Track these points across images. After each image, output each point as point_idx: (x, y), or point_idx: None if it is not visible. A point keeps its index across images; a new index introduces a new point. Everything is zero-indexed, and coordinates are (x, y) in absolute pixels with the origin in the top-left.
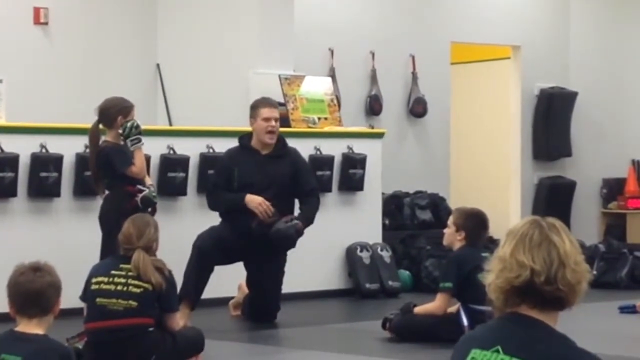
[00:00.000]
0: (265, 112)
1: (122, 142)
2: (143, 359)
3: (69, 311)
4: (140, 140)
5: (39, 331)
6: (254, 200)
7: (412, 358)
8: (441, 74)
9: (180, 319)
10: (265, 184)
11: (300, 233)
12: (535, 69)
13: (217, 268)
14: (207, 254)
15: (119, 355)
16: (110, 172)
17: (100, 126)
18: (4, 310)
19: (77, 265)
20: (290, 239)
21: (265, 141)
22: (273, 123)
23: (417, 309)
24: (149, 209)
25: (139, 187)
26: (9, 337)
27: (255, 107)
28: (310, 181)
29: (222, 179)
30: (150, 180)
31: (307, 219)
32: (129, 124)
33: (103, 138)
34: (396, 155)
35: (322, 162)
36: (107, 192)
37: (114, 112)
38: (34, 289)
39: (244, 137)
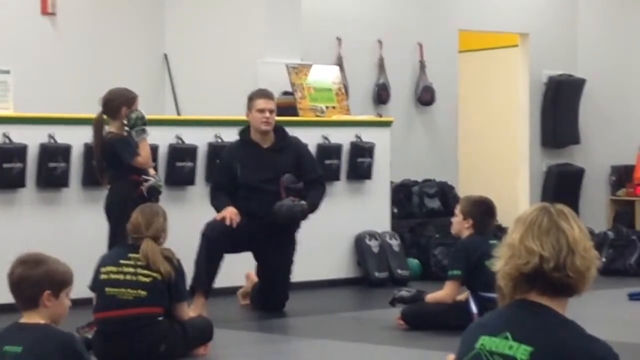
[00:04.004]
0: (259, 103)
1: (125, 133)
2: (152, 348)
3: (78, 301)
4: (145, 131)
5: (41, 321)
6: (224, 211)
7: (421, 346)
8: (449, 62)
9: (194, 310)
10: (269, 178)
11: (304, 214)
12: (543, 57)
13: (225, 257)
14: (216, 242)
15: (129, 344)
16: (115, 163)
17: (105, 117)
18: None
19: (86, 255)
20: (294, 214)
21: (260, 129)
22: (267, 115)
23: (428, 297)
24: (153, 198)
25: (144, 177)
26: (12, 328)
27: (250, 99)
28: (315, 169)
29: (223, 176)
30: (154, 171)
31: (312, 204)
32: (133, 115)
33: (107, 129)
34: (404, 143)
35: (330, 151)
36: (111, 182)
37: (118, 103)
38: (11, 282)
39: (244, 131)
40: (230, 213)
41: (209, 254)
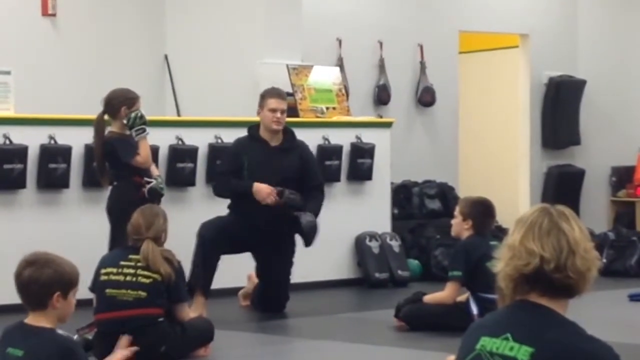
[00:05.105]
0: (272, 102)
1: (127, 133)
2: (153, 349)
3: (78, 302)
4: (144, 130)
5: (46, 324)
6: (261, 192)
7: (421, 347)
8: (449, 63)
9: (194, 310)
10: (273, 176)
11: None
12: (544, 58)
13: (226, 258)
14: (211, 242)
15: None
16: (116, 163)
17: (106, 117)
18: (15, 302)
19: (87, 256)
20: (316, 230)
21: (271, 128)
22: (279, 115)
23: (427, 298)
24: (155, 201)
25: (146, 178)
26: (16, 329)
27: (263, 97)
28: (317, 176)
29: (231, 165)
30: (158, 171)
31: (315, 212)
32: (133, 115)
33: (108, 129)
34: (405, 144)
35: (331, 151)
36: (113, 183)
37: (118, 102)
38: (19, 283)
39: (253, 128)
40: (273, 200)
41: (206, 254)
